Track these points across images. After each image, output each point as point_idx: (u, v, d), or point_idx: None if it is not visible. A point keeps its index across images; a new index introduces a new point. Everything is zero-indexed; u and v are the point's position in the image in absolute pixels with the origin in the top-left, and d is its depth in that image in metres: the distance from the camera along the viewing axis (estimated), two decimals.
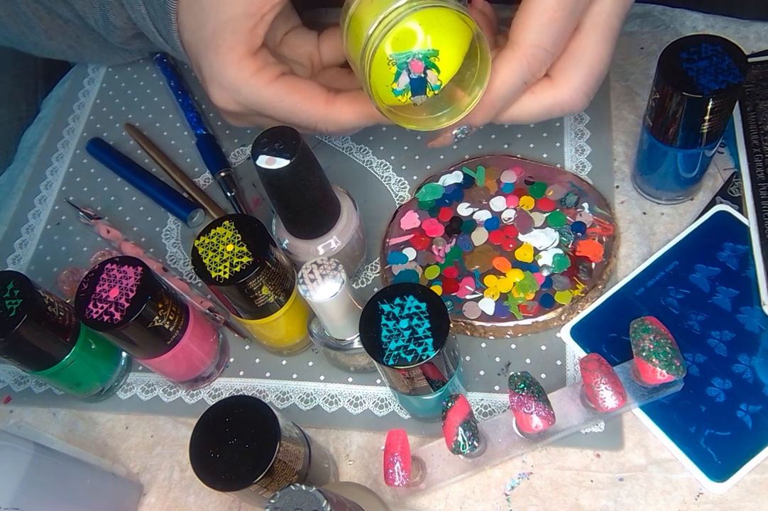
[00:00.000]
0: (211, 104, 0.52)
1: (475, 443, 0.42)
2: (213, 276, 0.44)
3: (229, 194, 0.60)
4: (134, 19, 0.52)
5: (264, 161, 0.42)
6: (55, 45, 0.62)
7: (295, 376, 0.54)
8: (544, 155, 0.58)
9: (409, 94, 0.42)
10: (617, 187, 0.56)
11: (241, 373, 0.55)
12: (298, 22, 0.54)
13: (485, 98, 0.44)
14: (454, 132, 0.47)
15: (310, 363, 0.54)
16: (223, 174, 0.61)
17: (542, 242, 0.53)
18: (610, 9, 0.44)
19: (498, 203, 0.55)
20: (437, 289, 0.53)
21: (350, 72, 0.51)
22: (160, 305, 0.46)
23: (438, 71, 0.41)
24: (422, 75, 0.41)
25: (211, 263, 0.44)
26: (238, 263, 0.44)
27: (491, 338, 0.52)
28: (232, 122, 0.53)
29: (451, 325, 0.41)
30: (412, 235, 0.56)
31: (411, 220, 0.56)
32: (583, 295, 0.51)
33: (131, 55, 0.63)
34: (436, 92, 0.42)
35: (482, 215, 0.55)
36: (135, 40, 0.56)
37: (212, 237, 0.45)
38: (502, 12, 0.51)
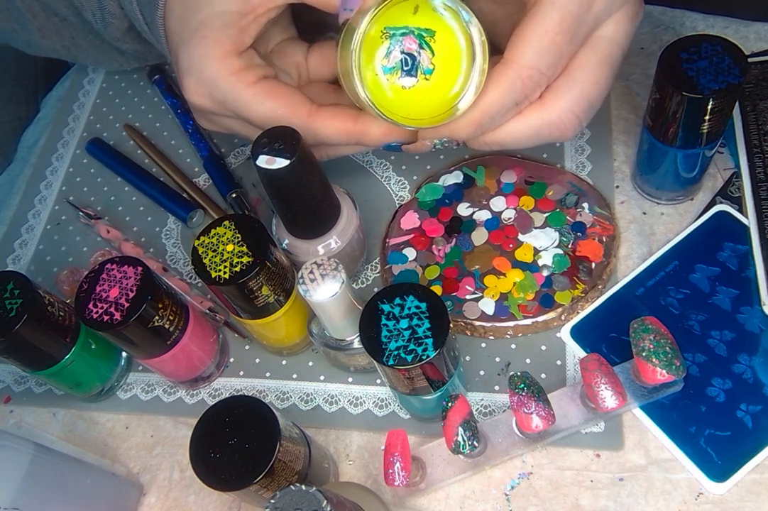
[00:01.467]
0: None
1: (475, 443, 0.42)
2: (213, 276, 0.44)
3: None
4: (122, 4, 0.51)
5: (264, 161, 0.42)
6: (49, 44, 0.61)
7: (295, 376, 0.54)
8: (544, 155, 0.58)
9: (399, 74, 0.40)
10: (617, 187, 0.56)
11: (241, 373, 0.55)
12: (294, 34, 0.53)
13: (473, 116, 0.41)
14: (434, 141, 0.45)
15: (310, 363, 0.54)
16: (234, 195, 0.60)
17: (542, 242, 0.53)
18: (611, 35, 0.43)
19: (498, 203, 0.55)
20: (437, 289, 0.53)
21: (337, 89, 0.49)
22: (160, 305, 0.46)
23: (432, 53, 0.39)
24: (415, 54, 0.39)
25: (211, 263, 0.44)
26: (238, 262, 0.44)
27: (491, 338, 0.52)
28: (202, 123, 0.51)
29: (451, 325, 0.41)
30: (412, 235, 0.56)
31: (411, 220, 0.56)
32: (583, 295, 0.51)
33: (125, 59, 0.62)
34: (427, 77, 0.40)
35: (482, 215, 0.55)
36: (130, 35, 0.56)
37: (212, 237, 0.45)
38: None
